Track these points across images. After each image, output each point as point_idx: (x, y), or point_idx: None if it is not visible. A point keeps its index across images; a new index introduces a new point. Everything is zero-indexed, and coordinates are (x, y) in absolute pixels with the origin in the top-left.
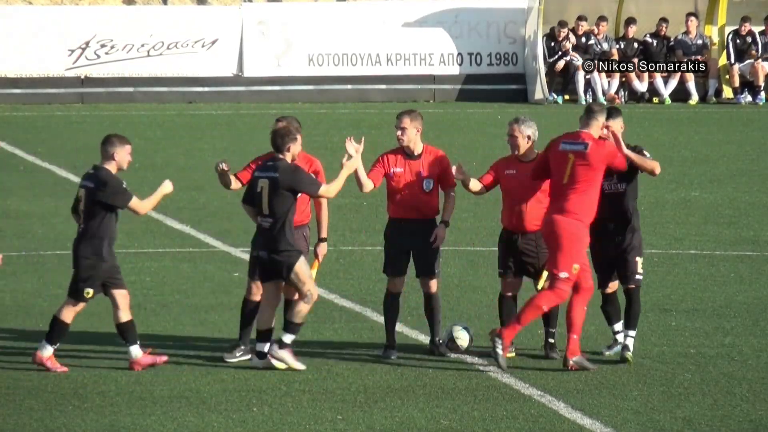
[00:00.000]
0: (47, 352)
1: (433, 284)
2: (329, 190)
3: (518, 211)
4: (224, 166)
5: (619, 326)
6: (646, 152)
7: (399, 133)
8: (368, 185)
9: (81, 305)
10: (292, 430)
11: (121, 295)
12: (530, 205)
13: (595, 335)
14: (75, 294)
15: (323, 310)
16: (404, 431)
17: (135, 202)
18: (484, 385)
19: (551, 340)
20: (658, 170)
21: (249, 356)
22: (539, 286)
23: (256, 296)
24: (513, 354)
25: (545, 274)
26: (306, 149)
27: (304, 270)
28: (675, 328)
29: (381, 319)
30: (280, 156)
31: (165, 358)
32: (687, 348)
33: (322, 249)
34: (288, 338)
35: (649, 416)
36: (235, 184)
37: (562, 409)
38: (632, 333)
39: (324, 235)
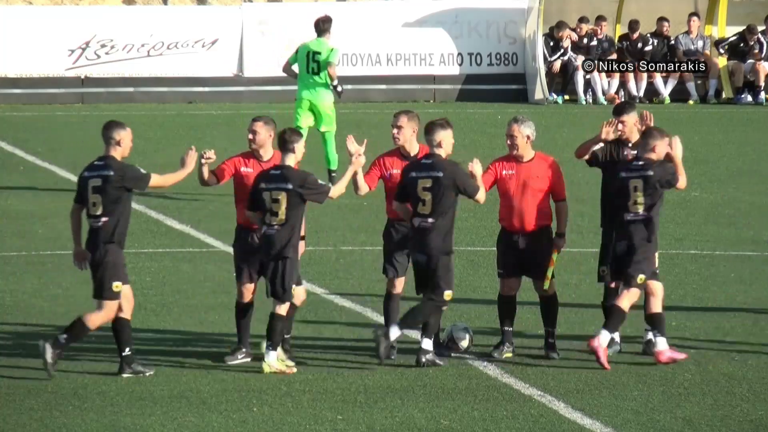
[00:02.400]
0: (605, 339)
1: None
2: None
3: (517, 210)
4: (209, 155)
5: None
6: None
7: (395, 131)
8: (364, 188)
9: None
10: (292, 430)
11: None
12: (529, 205)
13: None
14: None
15: (323, 310)
16: (404, 431)
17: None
18: (484, 385)
19: (551, 340)
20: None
21: (249, 359)
22: (545, 286)
23: (247, 298)
24: (512, 353)
25: (549, 274)
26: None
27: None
28: (675, 328)
29: (381, 319)
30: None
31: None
32: (687, 348)
33: (301, 247)
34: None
35: (649, 416)
36: (211, 180)
37: (562, 409)
38: None
39: (302, 233)
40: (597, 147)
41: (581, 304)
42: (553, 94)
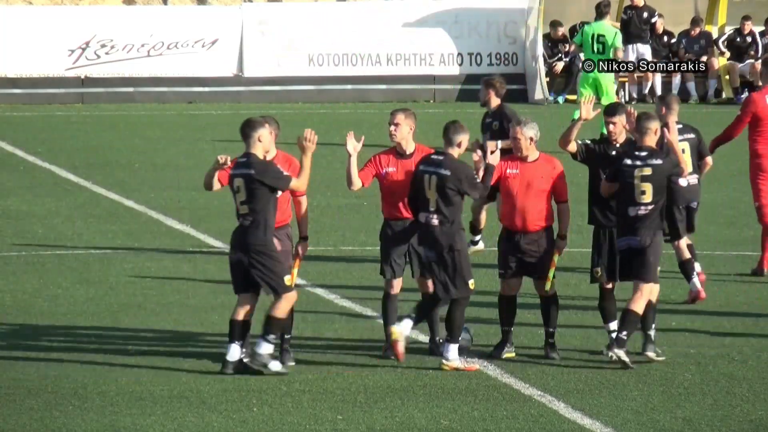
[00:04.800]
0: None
1: (431, 284)
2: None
3: (520, 210)
4: (224, 159)
5: (613, 325)
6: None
7: (392, 128)
8: (357, 183)
9: None
10: (292, 430)
11: None
12: (532, 205)
13: (595, 335)
14: None
15: (323, 310)
16: (404, 431)
17: None
18: (484, 385)
19: (551, 340)
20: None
21: (248, 359)
22: (546, 288)
23: None
24: (513, 353)
25: (551, 275)
26: None
27: None
28: (675, 328)
29: (381, 319)
30: None
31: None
32: (687, 348)
33: (303, 248)
34: None
35: (649, 416)
36: (216, 185)
37: (562, 409)
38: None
39: (305, 234)
40: (585, 142)
41: (581, 304)
42: (553, 94)
